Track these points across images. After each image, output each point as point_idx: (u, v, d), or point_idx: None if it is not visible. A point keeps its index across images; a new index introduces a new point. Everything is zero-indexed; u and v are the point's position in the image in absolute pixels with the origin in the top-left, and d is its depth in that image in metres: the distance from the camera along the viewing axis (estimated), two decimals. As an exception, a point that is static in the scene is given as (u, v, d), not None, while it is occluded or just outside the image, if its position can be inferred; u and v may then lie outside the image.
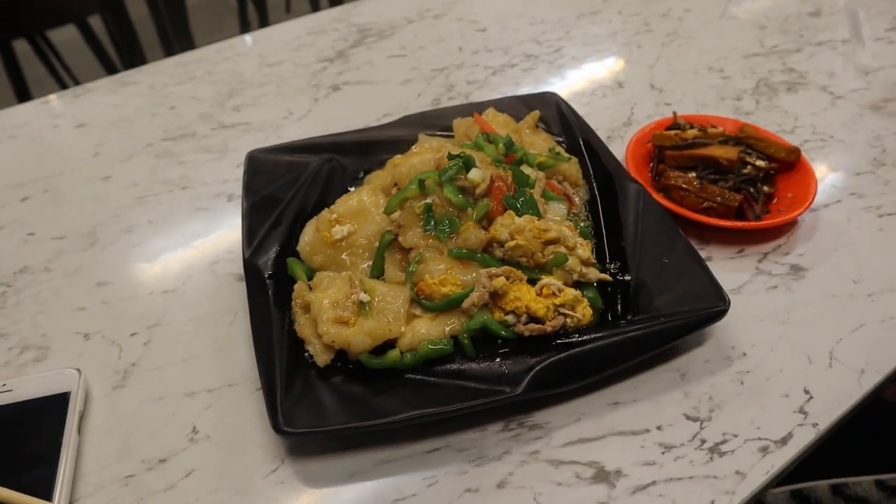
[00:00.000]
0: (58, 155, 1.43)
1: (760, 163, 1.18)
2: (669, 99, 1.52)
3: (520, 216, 0.98)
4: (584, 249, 0.99)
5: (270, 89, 1.62)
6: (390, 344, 0.90)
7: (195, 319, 1.05)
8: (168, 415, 0.91)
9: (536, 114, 1.25)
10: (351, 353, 0.89)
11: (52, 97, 1.64)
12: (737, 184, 1.16)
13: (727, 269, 1.10)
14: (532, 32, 1.81)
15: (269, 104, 1.56)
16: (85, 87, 1.68)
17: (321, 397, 0.85)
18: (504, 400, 0.85)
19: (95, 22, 2.36)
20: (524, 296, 0.91)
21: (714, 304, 0.93)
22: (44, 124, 1.53)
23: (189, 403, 0.92)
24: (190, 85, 1.66)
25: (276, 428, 0.80)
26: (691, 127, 1.25)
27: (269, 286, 0.99)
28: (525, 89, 1.56)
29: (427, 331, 0.90)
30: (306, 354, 0.91)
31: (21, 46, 2.17)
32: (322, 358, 0.89)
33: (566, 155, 1.19)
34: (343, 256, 1.01)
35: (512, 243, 0.95)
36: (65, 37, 2.32)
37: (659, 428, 0.88)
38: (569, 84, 1.60)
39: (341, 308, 0.90)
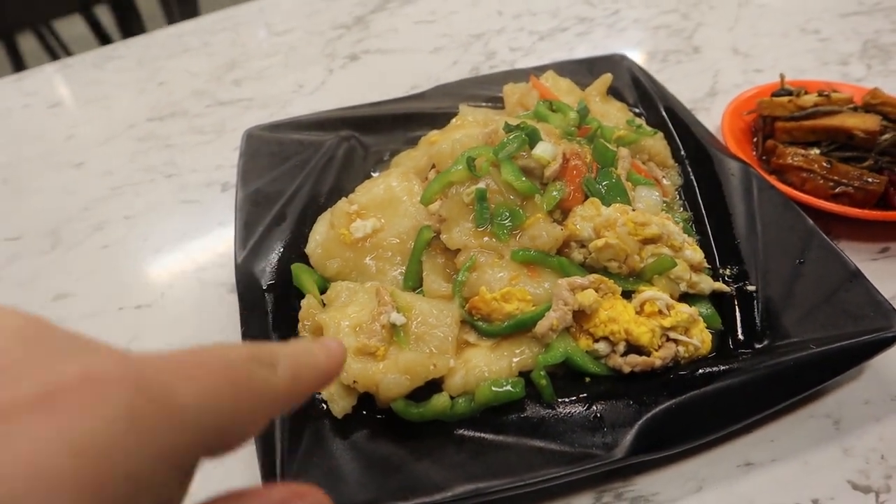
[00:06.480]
0: (24, 138, 1.21)
1: (907, 135, 0.91)
2: (759, 65, 1.26)
3: (606, 205, 0.73)
4: (694, 250, 0.73)
5: (277, 60, 1.37)
6: (435, 385, 0.65)
7: (174, 346, 0.80)
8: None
9: (608, 77, 0.99)
10: (380, 399, 0.64)
11: (26, 73, 1.41)
12: (879, 162, 0.89)
13: (870, 274, 0.83)
14: (582, -6, 1.54)
15: (275, 77, 1.32)
16: (64, 62, 1.45)
17: (338, 461, 0.62)
18: (599, 468, 0.59)
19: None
20: (621, 315, 0.65)
21: (879, 326, 0.67)
22: (13, 103, 1.31)
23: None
24: (184, 58, 1.42)
25: (274, 510, 0.55)
26: (807, 93, 0.98)
27: (268, 302, 0.74)
28: (581, 57, 1.29)
29: (487, 366, 0.65)
30: (318, 398, 0.66)
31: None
32: (340, 405, 0.64)
33: (649, 128, 0.93)
34: (367, 261, 0.76)
35: (599, 242, 0.69)
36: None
37: (815, 503, 0.62)
38: (634, 50, 1.34)
39: (366, 333, 0.65)
